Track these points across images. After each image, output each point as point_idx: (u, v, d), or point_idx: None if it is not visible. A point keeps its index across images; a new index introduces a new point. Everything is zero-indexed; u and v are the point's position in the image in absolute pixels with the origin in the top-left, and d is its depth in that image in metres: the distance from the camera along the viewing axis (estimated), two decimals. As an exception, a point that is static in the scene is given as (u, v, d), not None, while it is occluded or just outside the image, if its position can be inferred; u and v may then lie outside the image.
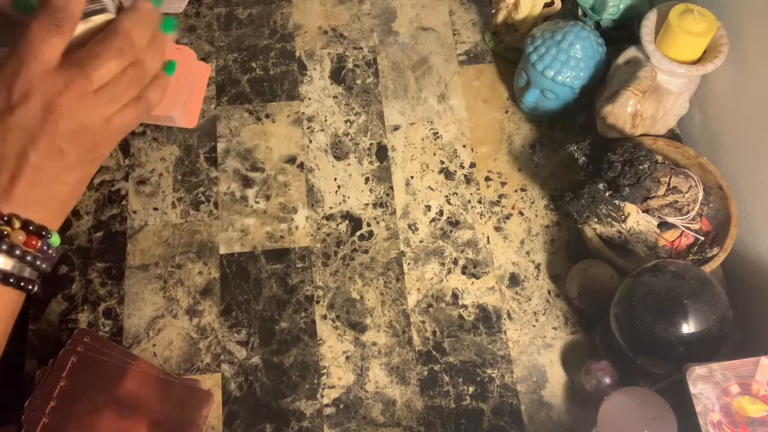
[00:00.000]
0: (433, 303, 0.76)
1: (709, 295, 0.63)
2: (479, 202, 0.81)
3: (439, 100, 0.87)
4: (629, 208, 0.73)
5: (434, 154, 0.84)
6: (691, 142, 0.85)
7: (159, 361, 0.72)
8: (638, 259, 0.73)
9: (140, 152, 0.82)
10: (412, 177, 0.82)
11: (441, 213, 0.81)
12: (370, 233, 0.79)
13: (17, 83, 0.38)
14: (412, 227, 0.80)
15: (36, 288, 0.41)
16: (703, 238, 0.74)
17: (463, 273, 0.78)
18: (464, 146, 0.84)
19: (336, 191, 0.81)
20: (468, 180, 0.82)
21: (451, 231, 0.80)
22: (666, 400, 0.62)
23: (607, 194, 0.72)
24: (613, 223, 0.73)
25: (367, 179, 0.82)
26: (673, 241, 0.74)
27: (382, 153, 0.84)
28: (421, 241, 0.79)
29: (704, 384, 0.60)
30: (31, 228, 0.40)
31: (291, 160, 0.83)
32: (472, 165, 0.83)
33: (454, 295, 0.76)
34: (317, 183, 0.82)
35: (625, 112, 0.73)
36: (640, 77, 0.73)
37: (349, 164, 0.83)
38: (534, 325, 0.75)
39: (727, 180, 0.75)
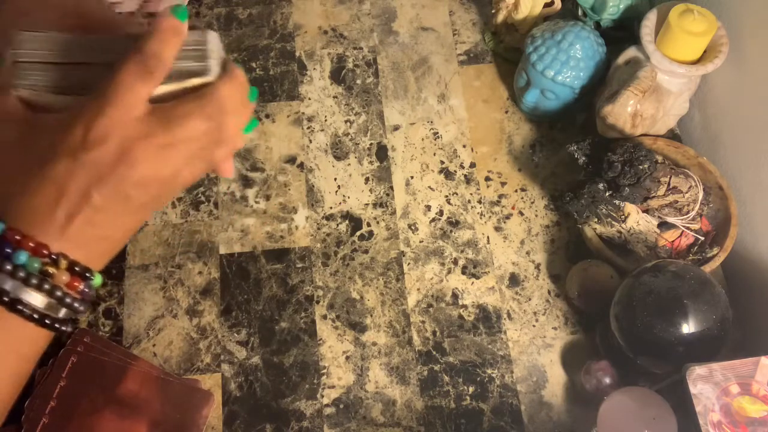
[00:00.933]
0: (433, 303, 0.76)
1: (709, 295, 0.63)
2: (479, 202, 0.81)
3: (439, 100, 0.87)
4: (629, 208, 0.73)
5: (434, 154, 0.84)
6: (691, 142, 0.85)
7: (159, 361, 0.72)
8: (638, 259, 0.73)
9: (140, 152, 0.82)
10: (412, 177, 0.82)
11: (441, 213, 0.81)
12: (370, 233, 0.79)
13: (97, 124, 0.38)
14: (412, 227, 0.80)
15: (69, 329, 0.41)
16: (703, 238, 0.74)
17: (463, 273, 0.78)
18: (464, 146, 0.84)
19: (336, 191, 0.81)
20: (468, 180, 0.83)
21: (451, 231, 0.80)
22: (666, 400, 0.62)
23: (607, 194, 0.72)
24: (613, 223, 0.73)
25: (367, 179, 0.82)
26: (673, 241, 0.74)
27: (382, 153, 0.84)
28: (421, 241, 0.79)
29: (704, 384, 0.60)
30: (76, 269, 0.39)
31: (291, 160, 0.83)
32: (472, 165, 0.83)
33: (454, 295, 0.76)
34: (317, 183, 0.82)
35: (625, 112, 0.73)
36: (640, 77, 0.73)
37: (349, 164, 0.83)
38: (534, 325, 0.75)
39: (727, 180, 0.75)
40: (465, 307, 0.76)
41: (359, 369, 0.73)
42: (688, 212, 0.74)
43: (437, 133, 0.85)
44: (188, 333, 0.74)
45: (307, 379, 0.72)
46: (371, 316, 0.75)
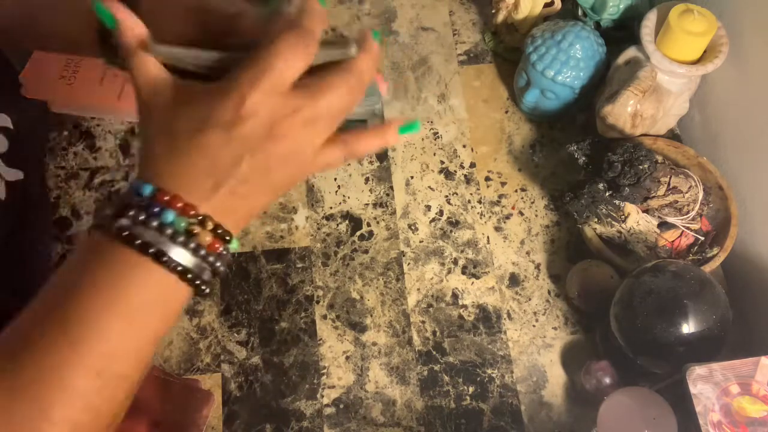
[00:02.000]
0: (433, 303, 0.76)
1: (709, 295, 0.63)
2: (479, 202, 0.81)
3: (439, 100, 0.87)
4: (629, 208, 0.73)
5: (434, 154, 0.84)
6: (691, 142, 0.85)
7: (159, 361, 0.72)
8: (638, 259, 0.73)
9: (140, 152, 0.82)
10: (412, 177, 0.82)
11: (441, 213, 0.81)
12: (370, 233, 0.79)
13: (251, 96, 0.38)
14: (412, 227, 0.80)
15: (207, 290, 0.42)
16: (703, 238, 0.74)
17: (463, 273, 0.78)
18: (464, 146, 0.84)
19: (336, 191, 0.81)
20: (468, 180, 0.82)
21: (451, 231, 0.80)
22: (666, 400, 0.62)
23: (607, 194, 0.72)
24: (613, 223, 0.73)
25: (367, 179, 0.82)
26: (673, 241, 0.74)
27: (382, 153, 0.84)
28: (421, 241, 0.79)
29: (704, 384, 0.60)
30: (219, 231, 0.41)
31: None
32: (472, 165, 0.83)
33: (454, 295, 0.76)
34: (317, 183, 0.82)
35: (625, 112, 0.73)
36: (640, 77, 0.73)
37: (349, 164, 0.83)
38: (534, 325, 0.75)
39: (727, 180, 0.75)
40: (465, 307, 0.76)
41: (359, 369, 0.73)
42: (688, 212, 0.74)
43: (437, 133, 0.85)
44: (188, 333, 0.74)
45: (307, 379, 0.72)
46: (371, 316, 0.75)
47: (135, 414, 0.67)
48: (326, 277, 0.77)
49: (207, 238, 0.40)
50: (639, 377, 0.67)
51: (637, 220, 0.73)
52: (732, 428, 0.58)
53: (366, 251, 0.78)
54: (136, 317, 0.40)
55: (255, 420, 0.70)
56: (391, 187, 0.82)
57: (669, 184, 0.74)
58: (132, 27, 0.41)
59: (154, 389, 0.69)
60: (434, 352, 0.74)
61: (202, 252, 0.40)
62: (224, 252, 0.42)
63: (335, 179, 0.82)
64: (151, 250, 0.39)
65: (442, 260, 0.78)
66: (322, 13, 0.40)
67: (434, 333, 0.75)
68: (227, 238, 0.41)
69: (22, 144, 0.68)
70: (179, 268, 0.40)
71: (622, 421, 0.62)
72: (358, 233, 0.79)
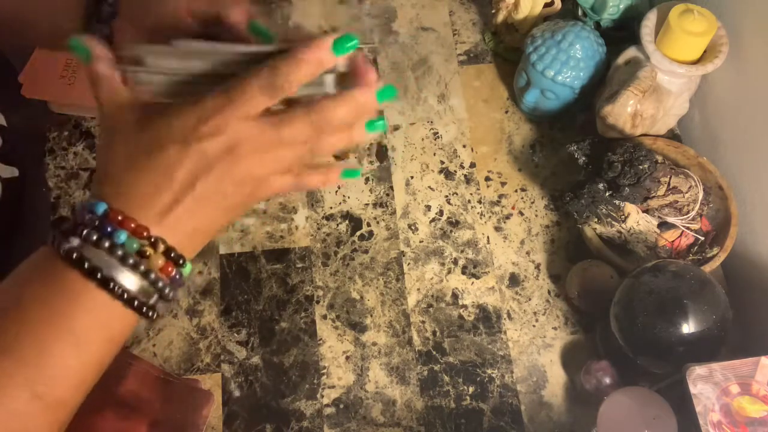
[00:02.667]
0: (433, 303, 0.76)
1: (709, 295, 0.63)
2: (479, 202, 0.81)
3: (439, 100, 0.87)
4: (629, 208, 0.73)
5: (434, 154, 0.84)
6: (691, 142, 0.85)
7: (159, 361, 0.72)
8: (638, 259, 0.73)
9: (140, 152, 0.82)
10: (412, 177, 0.82)
11: (441, 213, 0.81)
12: (370, 233, 0.79)
13: (214, 118, 0.39)
14: (412, 227, 0.80)
15: (155, 315, 0.42)
16: (703, 238, 0.74)
17: (463, 273, 0.78)
18: (464, 146, 0.84)
19: (336, 191, 0.81)
20: (468, 180, 0.82)
21: (451, 231, 0.80)
22: (666, 400, 0.62)
23: (607, 194, 0.72)
24: (613, 223, 0.73)
25: (367, 179, 0.82)
26: (673, 241, 0.74)
27: (382, 153, 0.84)
28: (421, 241, 0.79)
29: (704, 384, 0.60)
30: (171, 255, 0.41)
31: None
32: (472, 165, 0.83)
33: (454, 295, 0.76)
34: (317, 183, 0.82)
35: (625, 112, 0.73)
36: (640, 77, 0.73)
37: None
38: (534, 325, 0.75)
39: (727, 180, 0.75)
40: (465, 307, 0.76)
41: (359, 369, 0.73)
42: (688, 212, 0.74)
43: (437, 133, 0.85)
44: (188, 333, 0.74)
45: (307, 379, 0.72)
46: (371, 316, 0.75)
47: (135, 414, 0.67)
48: (326, 277, 0.77)
49: (159, 261, 0.40)
50: (639, 377, 0.67)
51: (637, 220, 0.73)
52: (732, 428, 0.58)
53: (366, 251, 0.78)
54: (81, 342, 0.39)
55: (255, 420, 0.70)
56: (391, 187, 0.82)
57: (669, 184, 0.74)
58: (104, 57, 0.42)
59: (154, 389, 0.69)
60: (434, 352, 0.74)
61: (152, 276, 0.40)
62: (177, 276, 0.41)
63: (335, 179, 0.82)
64: (98, 276, 0.38)
65: (442, 260, 0.78)
66: (317, 62, 0.40)
67: (434, 333, 0.75)
68: (180, 261, 0.41)
69: (18, 142, 0.68)
70: (125, 296, 0.39)
71: (622, 421, 0.62)
72: (358, 233, 0.79)
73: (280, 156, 0.42)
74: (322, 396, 0.72)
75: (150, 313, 0.41)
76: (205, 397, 0.70)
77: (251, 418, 0.70)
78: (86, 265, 0.38)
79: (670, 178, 0.74)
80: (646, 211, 0.74)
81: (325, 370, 0.73)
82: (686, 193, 0.74)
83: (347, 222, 0.80)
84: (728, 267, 0.77)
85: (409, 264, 0.78)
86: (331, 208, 0.81)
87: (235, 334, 0.74)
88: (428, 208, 0.81)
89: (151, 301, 0.41)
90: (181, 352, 0.73)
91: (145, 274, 0.39)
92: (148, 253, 0.39)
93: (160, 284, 0.40)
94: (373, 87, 0.42)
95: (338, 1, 0.93)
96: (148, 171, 0.39)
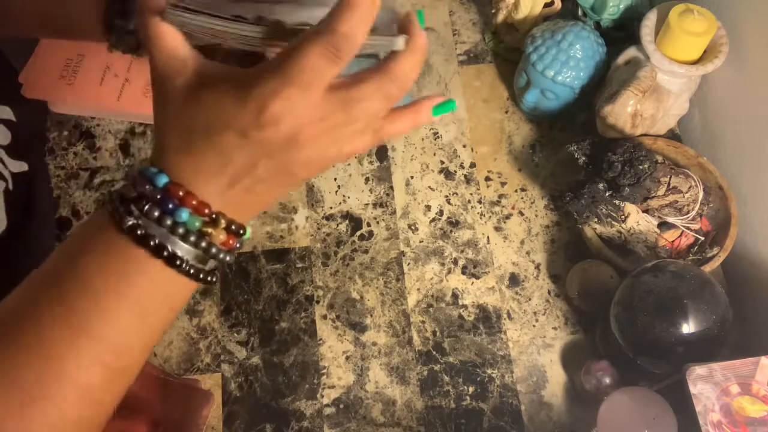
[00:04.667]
0: (433, 303, 0.76)
1: (709, 295, 0.63)
2: (479, 202, 0.81)
3: (439, 100, 0.87)
4: (629, 208, 0.73)
5: (434, 154, 0.84)
6: (691, 142, 0.85)
7: (159, 361, 0.72)
8: (638, 259, 0.73)
9: (140, 152, 0.82)
10: (412, 177, 0.82)
11: (441, 213, 0.81)
12: (370, 233, 0.79)
13: (273, 104, 0.35)
14: (412, 227, 0.80)
15: (215, 279, 0.42)
16: (703, 238, 0.74)
17: (463, 273, 0.78)
18: (464, 146, 0.84)
19: (336, 191, 0.81)
20: (468, 180, 0.82)
21: (451, 231, 0.80)
22: (666, 400, 0.62)
23: (607, 194, 0.72)
24: (613, 223, 0.73)
25: (367, 179, 0.82)
26: (673, 241, 0.74)
27: (382, 153, 0.84)
28: (421, 241, 0.79)
29: (704, 384, 0.60)
30: (233, 227, 0.40)
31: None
32: (472, 165, 0.83)
33: (454, 295, 0.76)
34: (317, 183, 0.82)
35: (625, 112, 0.73)
36: (640, 77, 0.73)
37: (349, 164, 0.83)
38: (534, 325, 0.75)
39: (727, 180, 0.75)
40: (465, 307, 0.76)
41: (359, 369, 0.73)
42: (688, 212, 0.74)
43: (437, 133, 0.85)
44: (188, 333, 0.74)
45: (307, 379, 0.72)
46: (371, 316, 0.75)
47: (135, 414, 0.67)
48: (326, 277, 0.77)
49: (221, 236, 0.39)
50: (639, 377, 0.67)
51: (637, 220, 0.73)
52: (732, 428, 0.58)
53: (366, 251, 0.78)
54: (147, 312, 0.39)
55: (255, 420, 0.70)
56: (391, 187, 0.82)
57: (669, 184, 0.74)
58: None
59: (154, 389, 0.69)
60: (434, 352, 0.74)
61: (213, 250, 0.40)
62: (238, 246, 0.41)
63: (335, 179, 0.82)
64: (164, 253, 0.38)
65: (442, 260, 0.78)
66: (370, 4, 0.35)
67: (434, 333, 0.75)
68: (241, 231, 0.41)
69: (25, 137, 0.69)
70: (191, 271, 0.39)
71: (622, 421, 0.62)
72: (358, 233, 0.79)
73: (351, 131, 0.38)
74: (322, 396, 0.72)
75: (212, 279, 0.41)
76: (205, 397, 0.70)
77: (251, 418, 0.70)
78: (151, 243, 0.38)
79: (670, 178, 0.74)
80: (646, 211, 0.74)
81: (325, 370, 0.73)
82: (686, 193, 0.74)
83: (347, 222, 0.80)
84: (728, 267, 0.77)
85: (409, 264, 0.78)
86: (331, 208, 0.81)
87: (235, 334, 0.74)
88: (428, 208, 0.81)
89: (211, 267, 0.41)
90: (181, 352, 0.73)
91: (206, 249, 0.39)
92: (209, 231, 0.39)
93: (221, 255, 0.40)
94: (424, 37, 0.38)
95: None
96: (207, 152, 0.38)
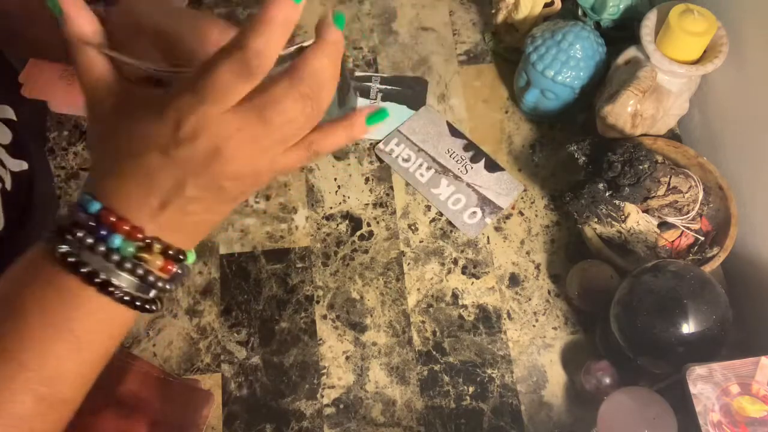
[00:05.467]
0: (433, 303, 0.76)
1: (709, 295, 0.63)
2: (479, 202, 0.81)
3: (439, 100, 0.87)
4: (629, 208, 0.73)
5: (434, 154, 0.84)
6: (691, 142, 0.85)
7: (159, 361, 0.72)
8: (638, 259, 0.73)
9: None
10: (412, 177, 0.82)
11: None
12: (370, 233, 0.79)
13: (188, 120, 0.35)
14: (412, 227, 0.80)
15: (156, 308, 0.41)
16: (703, 238, 0.74)
17: (463, 273, 0.78)
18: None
19: (336, 191, 0.81)
20: (468, 180, 0.82)
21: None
22: (666, 400, 0.62)
23: (607, 194, 0.72)
24: (613, 223, 0.73)
25: (367, 179, 0.82)
26: (673, 241, 0.74)
27: (382, 153, 0.84)
28: (421, 241, 0.79)
29: (704, 384, 0.60)
30: (170, 252, 0.39)
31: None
32: (472, 165, 0.83)
33: (454, 295, 0.76)
34: (317, 183, 0.82)
35: (625, 112, 0.73)
36: (640, 77, 0.73)
37: (349, 164, 0.83)
38: (534, 325, 0.75)
39: (727, 180, 0.75)
40: (465, 307, 0.76)
41: (359, 369, 0.73)
42: (688, 212, 0.74)
43: (437, 133, 0.85)
44: (188, 333, 0.74)
45: (307, 379, 0.72)
46: (371, 316, 0.75)
47: (135, 414, 0.67)
48: (326, 277, 0.77)
49: (157, 261, 0.39)
50: (639, 377, 0.67)
51: (637, 220, 0.73)
52: (732, 428, 0.58)
53: (366, 251, 0.78)
54: (82, 342, 0.38)
55: (255, 420, 0.70)
56: (391, 187, 0.82)
57: (669, 184, 0.74)
58: (80, 20, 0.38)
59: (154, 389, 0.69)
60: (434, 352, 0.74)
61: (151, 278, 0.39)
62: (178, 271, 0.40)
63: (335, 179, 0.82)
64: (96, 280, 0.37)
65: (442, 260, 0.78)
66: (284, 21, 0.35)
67: (434, 333, 0.75)
68: (180, 256, 0.40)
69: (26, 136, 0.69)
70: (125, 298, 0.38)
71: (622, 421, 0.62)
72: (358, 233, 0.79)
73: (277, 139, 0.38)
74: (322, 396, 0.72)
75: (152, 308, 0.40)
76: (205, 397, 0.70)
77: (251, 418, 0.70)
78: (83, 271, 0.37)
79: (670, 178, 0.74)
80: (646, 211, 0.74)
81: (325, 370, 0.73)
82: (686, 193, 0.74)
83: (347, 222, 0.80)
84: (728, 267, 0.77)
85: (409, 264, 0.78)
86: (331, 208, 0.81)
87: (235, 334, 0.74)
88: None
89: (152, 296, 0.40)
90: (181, 352, 0.73)
91: (143, 277, 0.39)
92: (145, 257, 0.38)
93: (160, 283, 0.39)
94: (334, 24, 0.38)
95: (338, 1, 0.93)
96: (135, 175, 0.37)
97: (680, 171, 0.76)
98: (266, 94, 0.36)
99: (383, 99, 0.86)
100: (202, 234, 0.41)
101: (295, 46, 0.38)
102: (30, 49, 0.55)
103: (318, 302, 0.76)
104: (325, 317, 0.75)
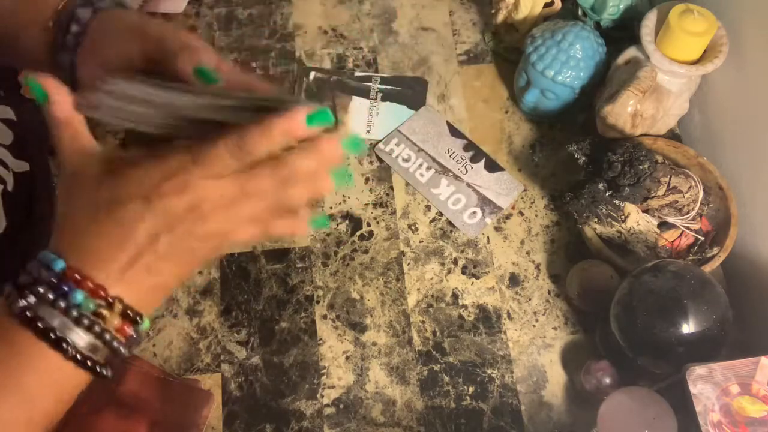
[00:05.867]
0: (433, 303, 0.76)
1: (709, 295, 0.63)
2: (479, 202, 0.81)
3: (439, 100, 0.87)
4: (629, 208, 0.73)
5: (434, 154, 0.84)
6: (691, 142, 0.85)
7: (159, 361, 0.72)
8: (638, 259, 0.73)
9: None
10: (412, 177, 0.82)
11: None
12: (370, 233, 0.79)
13: (177, 177, 0.38)
14: (412, 227, 0.80)
15: (109, 373, 0.41)
16: (703, 238, 0.74)
17: (463, 273, 0.78)
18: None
19: (336, 191, 0.81)
20: (468, 180, 0.82)
21: (451, 231, 0.80)
22: (666, 400, 0.62)
23: (607, 194, 0.72)
24: (613, 223, 0.73)
25: (367, 179, 0.82)
26: (673, 241, 0.74)
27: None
28: (421, 241, 0.79)
29: (704, 384, 0.60)
30: (129, 313, 0.40)
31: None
32: (472, 165, 0.83)
33: (454, 295, 0.76)
34: (317, 183, 0.82)
35: (625, 112, 0.73)
36: (640, 77, 0.73)
37: (349, 164, 0.83)
38: (534, 325, 0.75)
39: (727, 180, 0.75)
40: (465, 307, 0.76)
41: (359, 369, 0.73)
42: (688, 212, 0.74)
43: (437, 133, 0.85)
44: (188, 333, 0.74)
45: (307, 379, 0.72)
46: (371, 316, 0.75)
47: (135, 414, 0.67)
48: (326, 277, 0.77)
49: (115, 321, 0.39)
50: (639, 377, 0.67)
51: (637, 220, 0.73)
52: (732, 428, 0.58)
53: (366, 251, 0.78)
54: (32, 398, 0.39)
55: (255, 420, 0.70)
56: (391, 187, 0.82)
57: (669, 184, 0.74)
58: (63, 103, 0.41)
59: (154, 389, 0.69)
60: (434, 352, 0.74)
61: (107, 336, 0.39)
62: (133, 335, 0.41)
63: (335, 179, 0.82)
64: (51, 336, 0.38)
65: (442, 260, 0.78)
66: (284, 131, 0.39)
67: (434, 333, 0.75)
68: (138, 319, 0.40)
69: (27, 137, 0.69)
70: (79, 357, 0.39)
71: (622, 421, 0.62)
72: (358, 233, 0.79)
73: (246, 210, 0.41)
74: (322, 396, 0.72)
75: (104, 372, 0.40)
76: (205, 397, 0.70)
77: (251, 418, 0.71)
78: (39, 325, 0.37)
79: (670, 178, 0.74)
80: (646, 211, 0.74)
81: (325, 370, 0.73)
82: (686, 193, 0.74)
83: (347, 222, 0.80)
84: (728, 267, 0.77)
85: (409, 264, 0.78)
86: (331, 208, 0.81)
87: (235, 334, 0.74)
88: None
89: (105, 359, 0.40)
90: (181, 352, 0.73)
91: (99, 335, 0.39)
92: (104, 314, 0.39)
93: (115, 344, 0.40)
94: (337, 138, 0.41)
95: (338, 1, 0.93)
96: (108, 227, 0.39)
97: (680, 171, 0.76)
98: (252, 173, 0.40)
99: (383, 99, 0.86)
100: (158, 300, 0.42)
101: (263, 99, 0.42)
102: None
103: (318, 302, 0.76)
104: (325, 317, 0.75)
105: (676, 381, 0.63)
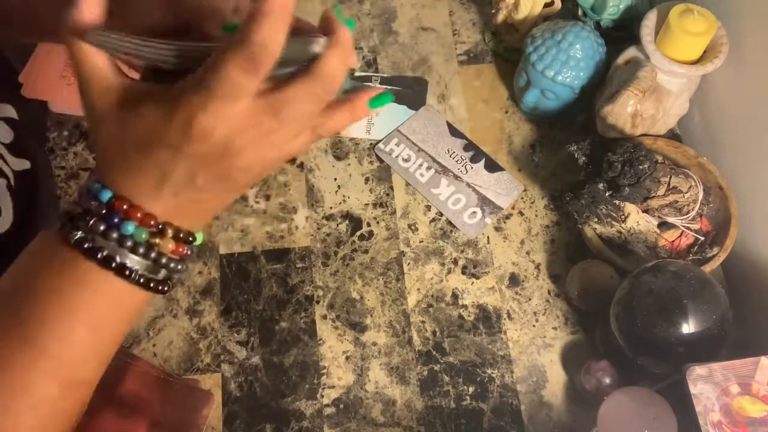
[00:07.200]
0: (433, 303, 0.76)
1: (709, 295, 0.63)
2: (479, 202, 0.81)
3: (439, 100, 0.87)
4: (629, 208, 0.73)
5: (434, 154, 0.84)
6: (691, 142, 0.85)
7: (159, 361, 0.72)
8: (638, 259, 0.73)
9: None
10: (412, 177, 0.82)
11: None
12: (370, 233, 0.79)
13: (199, 119, 0.36)
14: (412, 227, 0.80)
15: (168, 289, 0.42)
16: (703, 238, 0.74)
17: (463, 273, 0.78)
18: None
19: (336, 191, 0.81)
20: (468, 180, 0.82)
21: (451, 231, 0.80)
22: (666, 400, 0.62)
23: (607, 194, 0.72)
24: (613, 223, 0.73)
25: (367, 179, 0.82)
26: (673, 241, 0.74)
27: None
28: (421, 241, 0.79)
29: (704, 384, 0.60)
30: (180, 235, 0.40)
31: (291, 159, 0.83)
32: (472, 165, 0.83)
33: (454, 295, 0.76)
34: (317, 183, 0.82)
35: (625, 112, 0.73)
36: (640, 77, 0.73)
37: (349, 164, 0.83)
38: (534, 325, 0.75)
39: (727, 180, 0.75)
40: (465, 307, 0.76)
41: (359, 369, 0.73)
42: (688, 212, 0.74)
43: (437, 133, 0.85)
44: (188, 333, 0.74)
45: (307, 379, 0.72)
46: (371, 316, 0.75)
47: (135, 414, 0.67)
48: (326, 277, 0.77)
49: (169, 245, 0.40)
50: (639, 377, 0.67)
51: (637, 220, 0.73)
52: (732, 428, 0.58)
53: (366, 251, 0.78)
54: (99, 324, 0.39)
55: (255, 420, 0.70)
56: (391, 187, 0.82)
57: (669, 184, 0.74)
58: (83, 7, 0.37)
59: (154, 389, 0.69)
60: (434, 352, 0.74)
61: (164, 260, 0.40)
62: (189, 252, 0.41)
63: (335, 179, 0.82)
64: (112, 264, 0.38)
65: (442, 260, 0.78)
66: (282, 11, 0.35)
67: (434, 333, 0.75)
68: (190, 239, 0.41)
69: (27, 136, 0.69)
70: (141, 280, 0.39)
71: (622, 421, 0.62)
72: (358, 233, 0.79)
73: (286, 133, 0.38)
74: (322, 396, 0.72)
75: (164, 289, 0.41)
76: (205, 397, 0.70)
77: (251, 418, 0.70)
78: (99, 255, 0.38)
79: (670, 178, 0.74)
80: (646, 211, 0.74)
81: (325, 370, 0.73)
82: (686, 193, 0.74)
83: (347, 222, 0.80)
84: (728, 267, 0.77)
85: (409, 264, 0.78)
86: (331, 208, 0.81)
87: (235, 334, 0.74)
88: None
89: (161, 276, 0.41)
90: (181, 352, 0.73)
91: (156, 259, 0.40)
92: (157, 242, 0.39)
93: (172, 264, 0.41)
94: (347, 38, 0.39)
95: (338, 1, 0.93)
96: (144, 167, 0.38)
97: (680, 171, 0.76)
98: (283, 94, 0.37)
99: (383, 99, 0.86)
100: (208, 218, 0.42)
101: (298, 38, 0.38)
102: (23, 27, 0.55)
103: (318, 302, 0.76)
104: (325, 317, 0.75)
105: (676, 381, 0.63)
